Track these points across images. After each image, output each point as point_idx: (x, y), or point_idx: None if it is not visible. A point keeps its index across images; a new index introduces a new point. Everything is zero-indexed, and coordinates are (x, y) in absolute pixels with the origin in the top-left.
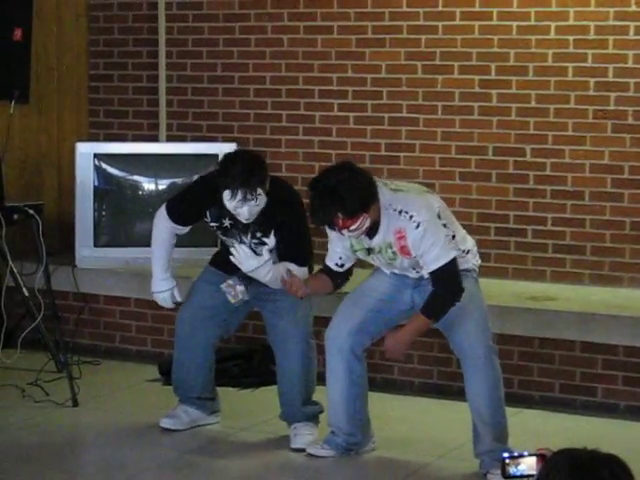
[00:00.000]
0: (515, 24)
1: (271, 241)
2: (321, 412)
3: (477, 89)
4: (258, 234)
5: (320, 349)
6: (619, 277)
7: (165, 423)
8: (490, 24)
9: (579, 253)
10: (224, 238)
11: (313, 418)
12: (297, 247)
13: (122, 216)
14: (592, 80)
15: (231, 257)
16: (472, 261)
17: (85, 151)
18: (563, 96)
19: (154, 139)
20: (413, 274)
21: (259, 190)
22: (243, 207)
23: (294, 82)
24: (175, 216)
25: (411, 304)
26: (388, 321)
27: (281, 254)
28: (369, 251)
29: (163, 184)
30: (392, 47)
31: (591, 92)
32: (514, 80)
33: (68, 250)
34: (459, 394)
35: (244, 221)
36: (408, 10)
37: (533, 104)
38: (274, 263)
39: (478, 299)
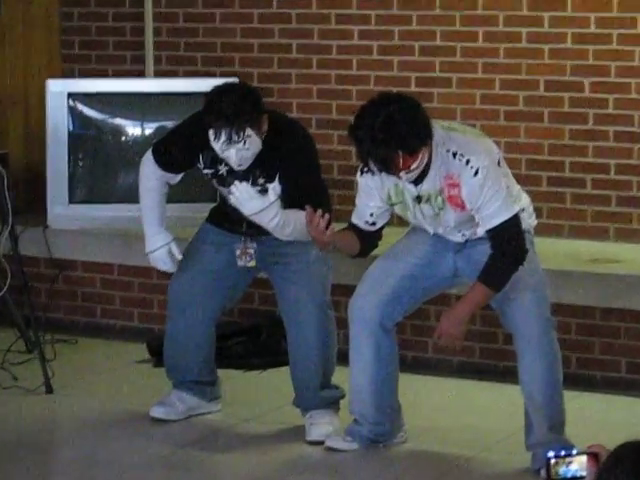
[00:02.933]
0: None
1: (276, 188)
2: (342, 397)
3: (525, 11)
4: (260, 180)
5: (342, 322)
6: None
7: (156, 412)
8: None
9: None
10: (221, 188)
11: (333, 405)
12: (308, 194)
13: (102, 167)
14: None
15: (230, 197)
16: (527, 221)
17: (57, 90)
18: (628, 19)
19: (139, 75)
20: (458, 237)
21: (249, 131)
22: (229, 150)
23: (307, 6)
24: (163, 161)
25: (453, 270)
26: (425, 290)
27: (289, 204)
28: (417, 200)
29: (150, 128)
30: None
31: None
32: (569, 0)
33: (38, 208)
34: (506, 375)
35: (235, 167)
36: None
37: (592, 29)
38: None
39: (535, 264)
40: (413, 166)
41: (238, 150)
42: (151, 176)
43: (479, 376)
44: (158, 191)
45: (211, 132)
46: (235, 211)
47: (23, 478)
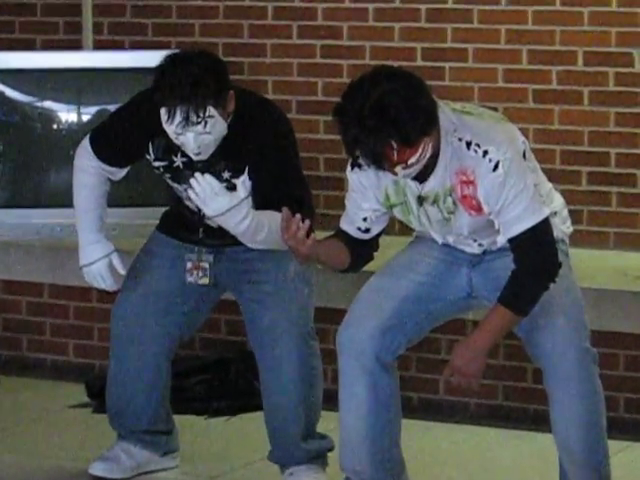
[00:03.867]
0: None
1: (246, 183)
2: (330, 449)
3: None
4: (225, 174)
5: (330, 356)
6: None
7: (98, 469)
8: None
9: None
10: (176, 185)
11: (318, 459)
12: (284, 191)
13: (29, 162)
14: None
15: (190, 193)
16: (561, 227)
17: None
18: None
19: (75, 46)
20: (474, 248)
21: (211, 110)
22: (186, 134)
23: None
24: (103, 152)
25: (468, 290)
26: (433, 315)
27: (261, 203)
28: (421, 201)
29: (89, 112)
30: None
31: None
32: None
33: None
34: (537, 422)
35: (193, 156)
36: None
37: None
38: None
39: (570, 282)
40: (412, 160)
41: (197, 134)
42: (88, 170)
43: (503, 423)
44: (97, 189)
45: (163, 111)
46: (193, 214)
47: None
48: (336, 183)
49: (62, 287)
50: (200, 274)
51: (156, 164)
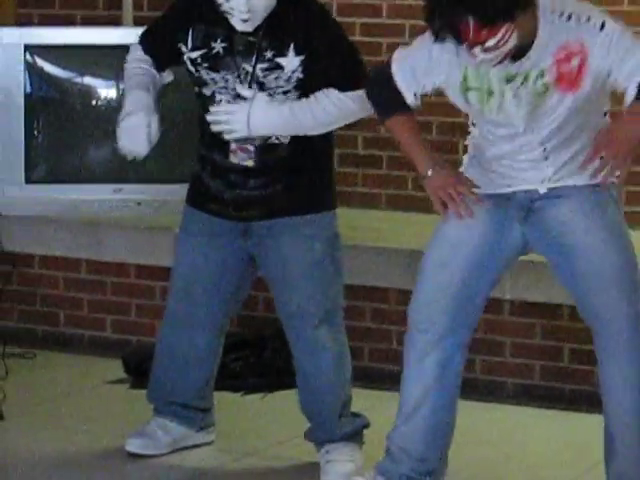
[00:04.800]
0: None
1: (291, 62)
2: (366, 426)
3: None
4: (268, 53)
5: (366, 334)
6: None
7: (134, 446)
8: None
9: None
10: (214, 76)
11: (354, 436)
12: (341, 61)
13: (68, 137)
14: None
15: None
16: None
17: (11, 41)
18: None
19: (115, 22)
20: (535, 155)
21: None
22: None
23: None
24: (147, 42)
25: (523, 243)
26: (495, 279)
27: (315, 80)
28: (508, 80)
29: None
30: None
31: None
32: None
33: None
34: (574, 401)
35: (239, 25)
36: None
37: None
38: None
39: (622, 236)
40: (489, 43)
41: None
42: (136, 65)
43: (539, 403)
44: (147, 83)
45: None
46: (222, 142)
47: None
48: (375, 161)
49: (100, 263)
50: (245, 156)
51: (193, 55)
